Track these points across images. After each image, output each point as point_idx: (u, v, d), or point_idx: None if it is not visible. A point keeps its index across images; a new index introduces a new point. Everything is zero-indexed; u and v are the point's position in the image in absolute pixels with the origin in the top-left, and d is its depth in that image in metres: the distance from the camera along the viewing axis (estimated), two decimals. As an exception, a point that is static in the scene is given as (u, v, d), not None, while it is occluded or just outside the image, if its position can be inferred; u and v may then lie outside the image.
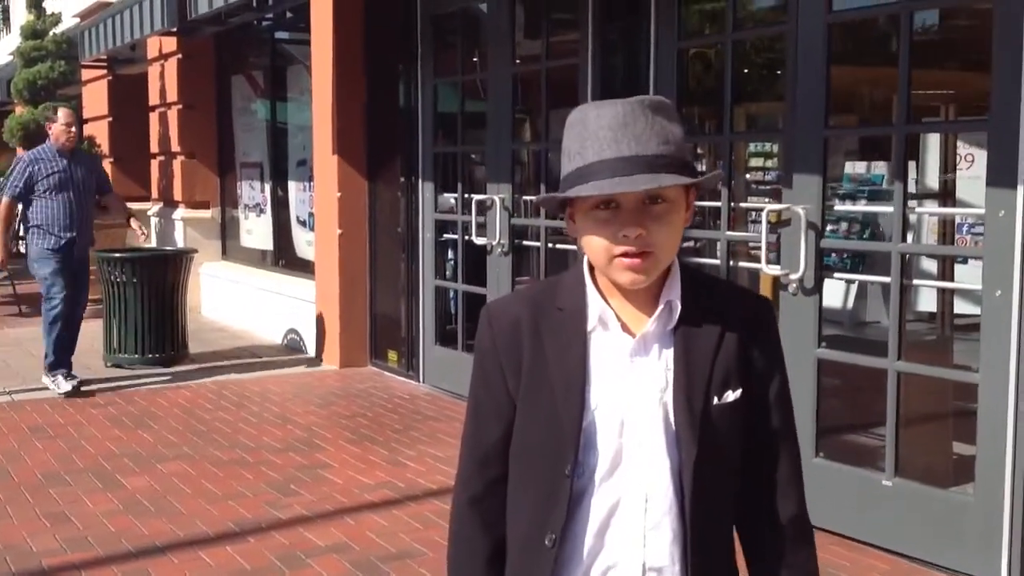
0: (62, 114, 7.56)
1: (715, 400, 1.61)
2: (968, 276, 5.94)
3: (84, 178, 7.55)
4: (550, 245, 6.46)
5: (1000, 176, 3.86)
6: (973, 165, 8.27)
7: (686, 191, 1.61)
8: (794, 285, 4.53)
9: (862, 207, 9.09)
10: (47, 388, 7.30)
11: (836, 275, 6.10)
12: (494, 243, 6.74)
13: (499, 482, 1.71)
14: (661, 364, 1.61)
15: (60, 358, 7.31)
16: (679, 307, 1.62)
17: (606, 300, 1.64)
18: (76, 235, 7.43)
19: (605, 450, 1.61)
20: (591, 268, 1.66)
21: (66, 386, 7.22)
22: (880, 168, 9.74)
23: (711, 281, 1.73)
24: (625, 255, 1.55)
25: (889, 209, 5.08)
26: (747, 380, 1.64)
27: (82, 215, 7.51)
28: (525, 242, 6.89)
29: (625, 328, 1.63)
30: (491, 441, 1.71)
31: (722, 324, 1.63)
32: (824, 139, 4.52)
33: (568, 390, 1.61)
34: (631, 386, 1.61)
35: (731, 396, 1.62)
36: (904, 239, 4.24)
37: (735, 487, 1.68)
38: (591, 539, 1.62)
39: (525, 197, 6.90)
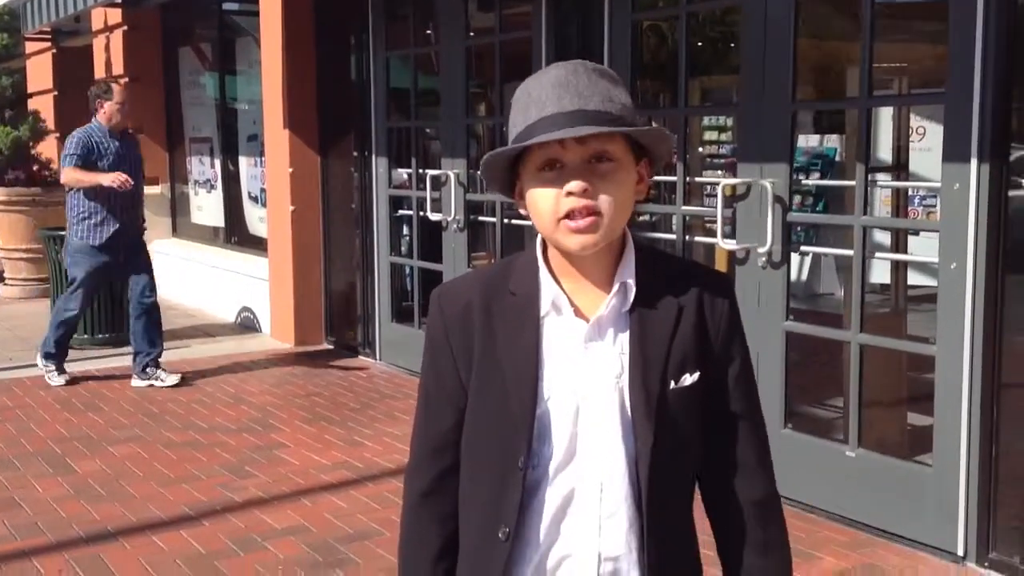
0: (116, 91, 6.88)
1: (672, 384, 1.57)
2: (920, 247, 5.99)
3: (136, 161, 6.99)
4: (506, 220, 6.41)
5: (955, 149, 3.86)
6: (924, 138, 8.34)
7: (637, 161, 1.57)
8: (763, 259, 4.53)
9: (815, 180, 9.14)
10: (35, 366, 7.09)
11: (803, 248, 6.11)
12: (449, 219, 6.69)
13: (451, 473, 1.66)
14: (616, 348, 1.58)
15: (58, 354, 7.01)
16: (634, 288, 1.58)
17: (559, 283, 1.60)
18: (125, 226, 6.86)
19: (559, 440, 1.57)
20: (544, 250, 1.62)
21: (59, 380, 6.92)
22: (833, 141, 9.79)
23: (668, 259, 1.70)
24: (570, 216, 1.50)
25: (848, 183, 5.10)
26: (706, 362, 1.60)
27: (135, 202, 6.98)
28: (480, 217, 6.83)
29: (579, 312, 1.59)
30: (444, 429, 1.66)
31: (679, 304, 1.59)
32: (792, 113, 4.51)
33: (520, 379, 1.57)
34: (585, 373, 1.57)
35: (689, 380, 1.58)
36: (865, 212, 4.25)
37: (694, 472, 1.65)
38: (545, 530, 1.58)
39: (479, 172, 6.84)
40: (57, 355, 7.02)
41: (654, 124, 9.14)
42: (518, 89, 1.58)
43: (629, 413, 1.56)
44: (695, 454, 1.63)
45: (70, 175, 6.77)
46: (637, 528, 1.58)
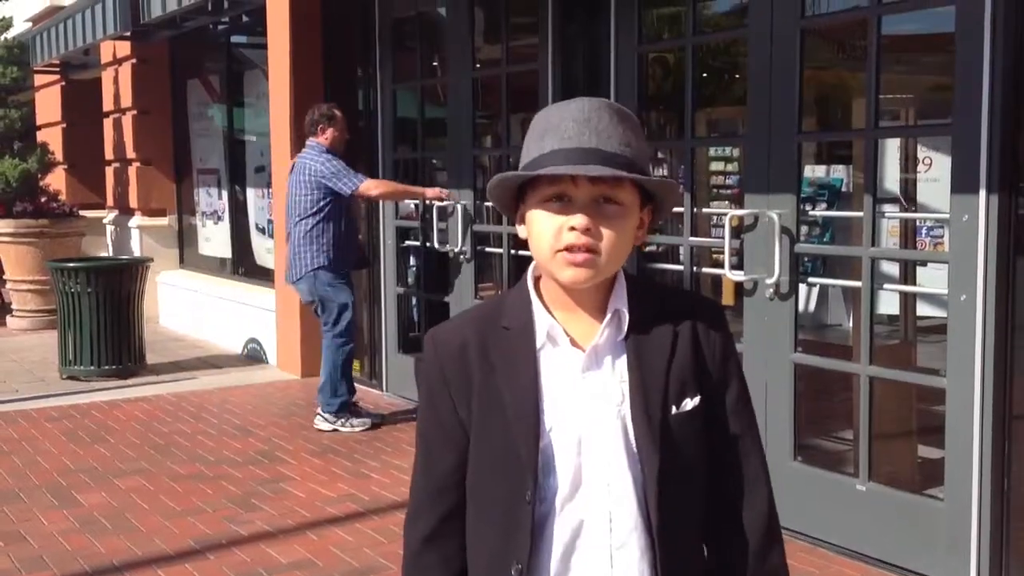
0: (339, 117, 6.59)
1: (674, 409, 1.57)
2: (927, 279, 5.96)
3: None
4: (513, 252, 6.40)
5: (963, 180, 3.85)
6: (931, 168, 8.33)
7: (641, 207, 1.58)
8: (770, 291, 4.51)
9: (822, 211, 9.13)
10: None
11: (811, 279, 6.09)
12: (456, 250, 6.68)
13: (455, 516, 1.65)
14: (615, 376, 1.57)
15: (351, 399, 6.53)
16: (627, 316, 1.58)
17: (552, 315, 1.60)
18: (359, 255, 6.78)
19: (564, 471, 1.56)
20: (536, 283, 1.63)
21: (361, 423, 6.48)
22: (839, 172, 9.78)
23: (657, 288, 1.72)
24: (568, 249, 1.51)
25: (855, 214, 5.08)
26: (704, 386, 1.60)
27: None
28: (487, 248, 6.83)
29: (574, 343, 1.59)
30: (446, 470, 1.64)
31: (674, 331, 1.60)
32: (798, 144, 4.51)
33: (521, 413, 1.56)
34: (586, 402, 1.57)
35: (689, 404, 1.58)
36: (874, 243, 4.24)
37: (702, 496, 1.63)
38: (556, 564, 1.57)
39: (487, 203, 6.85)
40: (350, 401, 6.52)
41: (659, 154, 9.16)
42: (538, 114, 1.59)
43: (633, 441, 1.56)
44: (701, 478, 1.62)
45: (387, 187, 6.65)
46: (649, 557, 1.57)
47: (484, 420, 1.59)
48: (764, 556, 1.64)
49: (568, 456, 1.56)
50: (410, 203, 7.66)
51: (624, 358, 1.58)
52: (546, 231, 1.53)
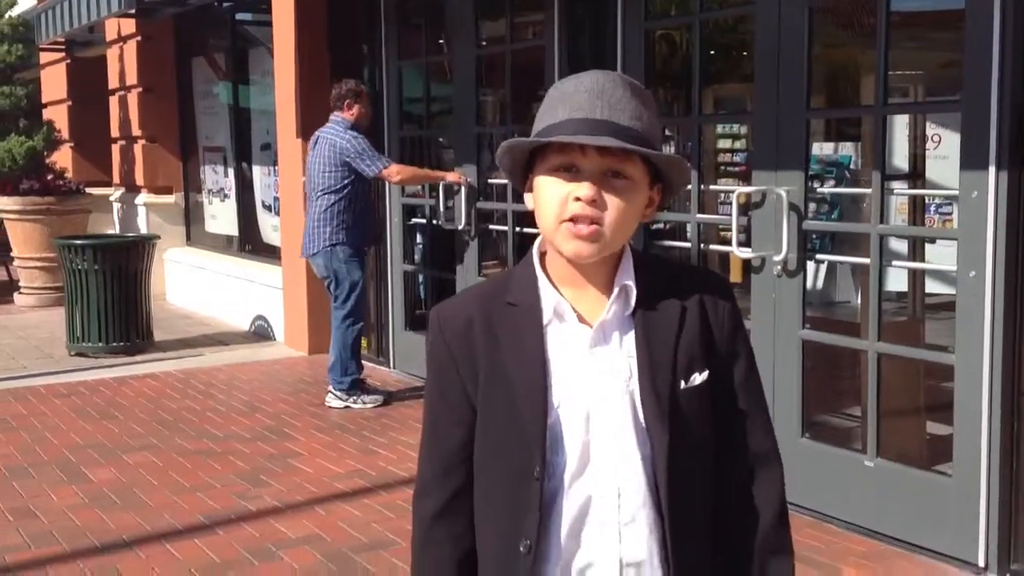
0: (365, 94, 6.55)
1: (682, 384, 1.56)
2: (935, 256, 5.95)
3: None
4: (517, 229, 6.39)
5: (973, 156, 3.84)
6: (940, 145, 8.30)
7: (651, 185, 1.57)
8: (778, 268, 4.51)
9: (830, 188, 9.11)
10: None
11: (819, 256, 6.08)
12: (460, 227, 6.68)
13: (463, 493, 1.64)
14: (623, 352, 1.57)
15: (360, 375, 6.53)
16: (635, 291, 1.57)
17: (559, 291, 1.59)
18: (376, 224, 6.77)
19: (572, 448, 1.56)
20: (542, 259, 1.62)
21: (372, 401, 6.49)
22: (847, 149, 9.75)
23: (664, 263, 1.70)
24: (573, 220, 1.50)
25: (863, 191, 5.07)
26: (712, 361, 1.59)
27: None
28: (491, 226, 6.82)
29: (581, 319, 1.58)
30: (453, 448, 1.64)
31: (682, 305, 1.59)
32: (806, 121, 4.49)
33: (529, 389, 1.55)
34: (593, 379, 1.56)
35: (698, 379, 1.58)
36: (883, 220, 4.22)
37: (711, 472, 1.63)
38: (565, 540, 1.57)
39: (492, 180, 6.84)
40: (359, 378, 6.52)
41: (667, 132, 9.13)
42: (553, 86, 1.58)
43: (641, 416, 1.55)
44: (710, 454, 1.62)
45: (409, 172, 6.60)
46: (658, 533, 1.57)
47: (491, 397, 1.59)
48: (773, 533, 1.64)
49: (576, 432, 1.55)
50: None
51: (632, 333, 1.57)
52: (552, 199, 1.52)
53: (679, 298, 1.59)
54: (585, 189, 1.49)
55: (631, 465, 1.55)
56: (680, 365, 1.56)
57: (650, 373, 1.55)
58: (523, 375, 1.56)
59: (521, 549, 1.56)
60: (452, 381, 1.62)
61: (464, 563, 1.65)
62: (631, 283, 1.57)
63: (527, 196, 1.61)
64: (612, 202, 1.51)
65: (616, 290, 1.57)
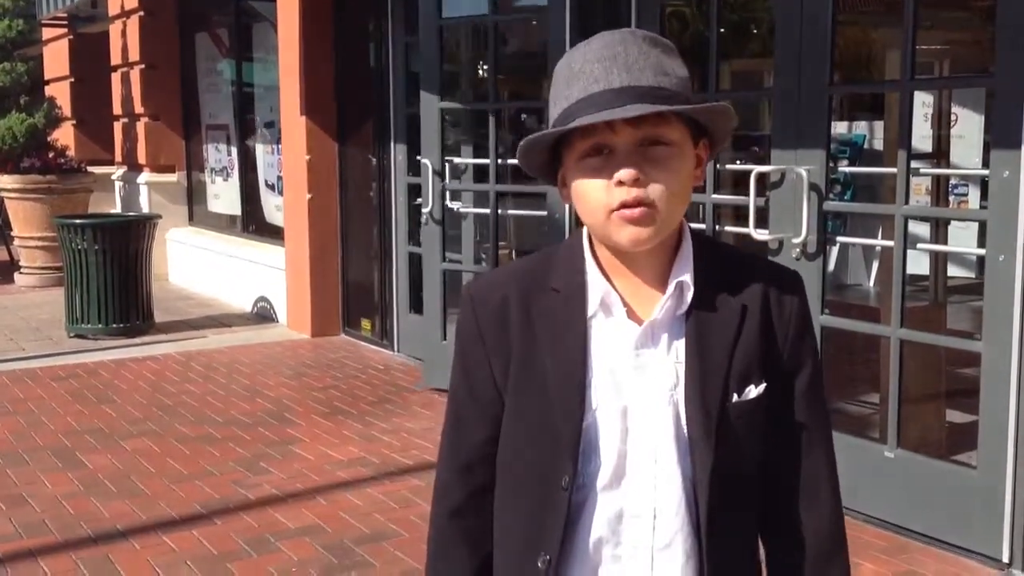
0: None
1: (734, 397, 1.38)
2: (955, 238, 5.77)
3: None
4: (513, 212, 6.21)
5: (1004, 135, 3.66)
6: (957, 124, 8.11)
7: (695, 142, 1.37)
8: (797, 250, 4.34)
9: (844, 168, 8.92)
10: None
11: (840, 239, 5.90)
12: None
13: (484, 493, 1.48)
14: (671, 357, 1.38)
15: None
16: (692, 288, 1.38)
17: (609, 279, 1.40)
18: None
19: (607, 458, 1.38)
20: (591, 241, 1.43)
21: None
22: (862, 128, 9.56)
23: (731, 254, 1.48)
24: (623, 206, 1.31)
25: (881, 171, 4.90)
26: (772, 372, 1.40)
27: None
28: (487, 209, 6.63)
29: (631, 314, 1.39)
30: (477, 442, 1.47)
31: (742, 306, 1.39)
32: (828, 97, 4.31)
33: (565, 387, 1.38)
34: (635, 383, 1.38)
35: (753, 392, 1.39)
36: (907, 201, 4.05)
37: (759, 497, 1.45)
38: (590, 559, 1.40)
39: (511, 161, 6.67)
40: None
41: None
42: (560, 61, 1.39)
43: (685, 430, 1.37)
44: (760, 476, 1.44)
45: None
46: (695, 562, 1.39)
47: (522, 389, 1.42)
48: (826, 564, 1.46)
49: (612, 441, 1.38)
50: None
51: (683, 337, 1.39)
52: (592, 192, 1.33)
53: (740, 295, 1.40)
54: (625, 172, 1.30)
55: (670, 483, 1.38)
56: (734, 375, 1.38)
57: (699, 383, 1.37)
58: (560, 369, 1.38)
59: (539, 564, 1.40)
60: (481, 366, 1.45)
61: (480, 572, 1.49)
62: (688, 279, 1.38)
63: (562, 193, 1.42)
64: (658, 175, 1.31)
65: (671, 286, 1.38)
